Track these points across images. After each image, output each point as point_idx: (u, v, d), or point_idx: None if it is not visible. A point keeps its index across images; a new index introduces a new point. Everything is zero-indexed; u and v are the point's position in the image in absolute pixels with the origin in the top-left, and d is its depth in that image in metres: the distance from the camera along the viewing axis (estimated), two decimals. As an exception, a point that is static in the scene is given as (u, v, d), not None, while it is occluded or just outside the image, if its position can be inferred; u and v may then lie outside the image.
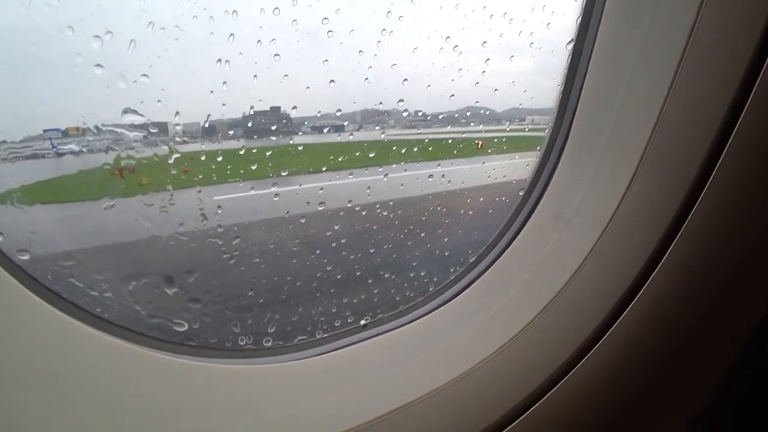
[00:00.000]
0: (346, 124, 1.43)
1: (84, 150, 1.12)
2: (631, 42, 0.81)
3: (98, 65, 0.90)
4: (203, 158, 1.24)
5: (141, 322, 1.03)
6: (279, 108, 1.30)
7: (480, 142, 1.66)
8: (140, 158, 1.10)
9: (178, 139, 1.14)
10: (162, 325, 1.04)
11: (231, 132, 1.31)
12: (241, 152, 1.33)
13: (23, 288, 0.71)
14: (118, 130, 1.03)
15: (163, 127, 1.09)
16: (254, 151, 1.34)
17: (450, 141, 1.58)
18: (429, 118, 1.49)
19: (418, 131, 1.49)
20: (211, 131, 1.29)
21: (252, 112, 1.25)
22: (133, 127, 1.03)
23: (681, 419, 0.90)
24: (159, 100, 0.99)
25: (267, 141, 1.37)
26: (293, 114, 1.25)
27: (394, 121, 1.56)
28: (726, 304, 0.78)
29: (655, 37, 0.77)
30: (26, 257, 0.82)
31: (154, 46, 0.95)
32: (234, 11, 1.00)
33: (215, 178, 1.28)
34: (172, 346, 0.92)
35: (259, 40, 1.06)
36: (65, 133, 1.22)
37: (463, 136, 1.58)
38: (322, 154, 1.56)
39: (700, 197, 0.70)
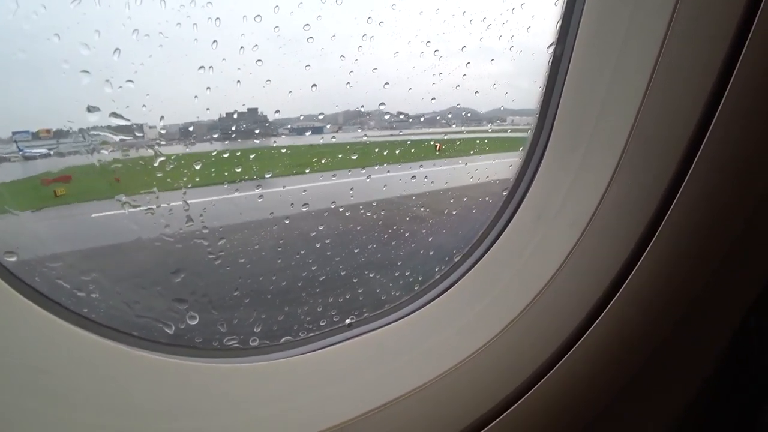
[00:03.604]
0: (327, 126, 1.43)
1: (51, 153, 1.11)
2: (610, 45, 0.83)
3: (84, 71, 0.91)
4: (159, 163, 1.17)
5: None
6: (256, 110, 1.30)
7: (438, 145, 1.68)
8: (74, 166, 1.08)
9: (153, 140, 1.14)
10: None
11: (188, 136, 1.30)
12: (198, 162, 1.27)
13: (10, 289, 0.72)
14: (99, 132, 1.03)
15: (139, 130, 1.09)
16: (213, 155, 1.31)
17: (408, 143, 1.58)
18: (411, 120, 1.50)
19: (391, 133, 1.50)
20: (186, 134, 1.29)
21: (225, 115, 1.25)
22: (109, 128, 1.03)
23: (665, 415, 0.91)
24: (144, 105, 1.00)
25: (244, 143, 1.37)
26: (275, 117, 1.25)
27: (374, 123, 1.57)
28: (707, 299, 0.79)
29: (631, 41, 0.79)
30: (14, 259, 0.83)
31: (139, 52, 0.96)
32: (217, 18, 1.02)
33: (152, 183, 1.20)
34: (158, 346, 0.93)
35: (242, 47, 1.07)
36: (35, 136, 1.21)
37: (445, 137, 1.59)
38: (304, 156, 1.56)
39: (678, 195, 0.72)
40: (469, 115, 1.49)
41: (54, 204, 1.27)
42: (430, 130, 1.56)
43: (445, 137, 1.60)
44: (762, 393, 0.92)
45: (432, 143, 1.71)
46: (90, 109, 0.95)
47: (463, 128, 1.58)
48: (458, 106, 1.41)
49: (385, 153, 1.43)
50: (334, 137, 1.44)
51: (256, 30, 1.05)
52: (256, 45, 1.07)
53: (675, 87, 0.72)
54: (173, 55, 1.03)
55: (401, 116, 1.42)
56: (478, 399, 0.84)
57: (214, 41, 1.04)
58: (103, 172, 1.13)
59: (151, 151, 1.12)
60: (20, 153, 1.22)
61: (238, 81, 1.11)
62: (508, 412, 0.82)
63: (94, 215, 1.46)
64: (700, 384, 0.90)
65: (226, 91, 1.12)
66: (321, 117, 1.34)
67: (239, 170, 1.32)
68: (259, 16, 1.05)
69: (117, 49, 0.93)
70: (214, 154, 1.29)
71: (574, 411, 0.85)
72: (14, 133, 1.20)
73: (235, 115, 1.25)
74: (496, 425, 0.82)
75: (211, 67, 1.06)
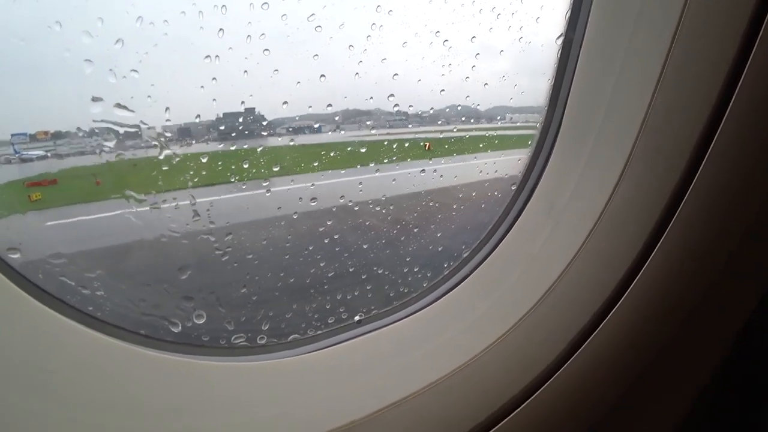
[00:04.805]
0: (336, 118, 1.42)
1: (48, 155, 1.11)
2: (619, 37, 0.82)
3: (87, 60, 0.90)
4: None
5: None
6: (253, 109, 1.29)
7: (427, 144, 1.68)
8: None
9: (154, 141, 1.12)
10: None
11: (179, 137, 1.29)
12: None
13: (14, 286, 0.71)
14: (102, 125, 1.02)
15: (135, 132, 1.07)
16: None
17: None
18: (420, 113, 1.49)
19: (387, 132, 1.49)
20: (189, 132, 1.28)
21: (222, 115, 1.24)
22: (112, 124, 1.02)
23: (671, 414, 0.90)
24: (149, 96, 0.99)
25: (250, 139, 1.36)
26: (283, 109, 1.24)
27: (383, 117, 1.56)
28: (715, 298, 0.78)
29: (642, 32, 0.78)
30: (17, 256, 0.82)
31: (144, 41, 0.95)
32: (223, 6, 1.00)
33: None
34: (165, 344, 0.92)
35: (248, 35, 1.06)
36: (33, 138, 1.21)
37: (455, 132, 1.59)
38: (312, 151, 1.55)
39: (689, 190, 0.71)
40: (478, 106, 1.48)
41: (25, 210, 1.25)
42: (439, 125, 1.55)
43: (455, 132, 1.60)
44: (766, 393, 0.92)
45: (423, 143, 1.71)
46: (94, 99, 0.94)
47: (472, 124, 1.58)
48: (467, 98, 1.40)
49: (394, 147, 1.42)
50: (342, 131, 1.43)
51: (263, 18, 1.04)
52: (263, 34, 1.06)
53: (686, 81, 0.71)
54: (178, 44, 1.02)
55: (410, 107, 1.40)
56: (488, 397, 0.83)
57: (221, 29, 1.03)
58: (85, 175, 1.12)
59: (149, 153, 1.11)
60: (17, 155, 1.22)
61: (245, 71, 1.10)
62: (518, 410, 0.81)
63: (49, 223, 1.43)
64: (707, 383, 0.89)
65: (233, 80, 1.11)
66: (329, 109, 1.33)
67: (246, 165, 1.31)
68: (266, 3, 1.04)
69: (120, 38, 0.92)
70: (220, 147, 1.28)
71: (584, 409, 0.84)
72: (12, 135, 1.20)
73: (242, 109, 1.23)
74: (506, 423, 0.81)
75: (217, 56, 1.05)
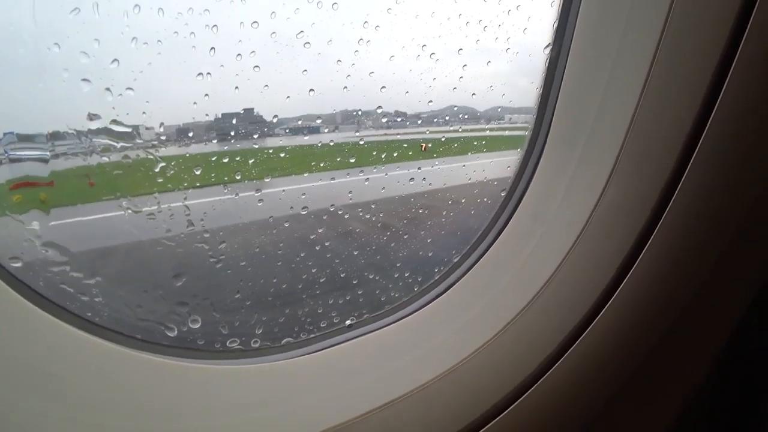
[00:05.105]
0: (325, 130, 1.43)
1: (48, 155, 1.11)
2: (606, 46, 0.83)
3: (85, 79, 0.92)
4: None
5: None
6: (252, 110, 1.30)
7: (424, 145, 1.69)
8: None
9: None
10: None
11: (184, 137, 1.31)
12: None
13: (15, 294, 0.73)
14: (98, 138, 1.04)
15: (137, 134, 1.10)
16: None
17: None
18: (408, 122, 1.50)
19: (386, 133, 1.50)
20: (183, 135, 1.30)
21: (221, 115, 1.26)
22: (108, 134, 1.04)
23: (664, 415, 0.91)
24: (144, 112, 1.01)
25: (241, 146, 1.37)
26: (273, 121, 1.26)
27: (371, 125, 1.57)
28: (706, 298, 0.79)
29: (628, 41, 0.79)
30: (18, 264, 0.84)
31: (138, 60, 0.97)
32: (214, 26, 1.02)
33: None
34: (160, 348, 0.94)
35: (239, 53, 1.08)
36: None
37: (443, 138, 1.60)
38: (302, 159, 1.56)
39: (675, 194, 0.72)
40: (466, 116, 1.50)
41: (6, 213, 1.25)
42: (427, 130, 1.56)
43: (443, 138, 1.61)
44: (761, 392, 0.92)
45: (421, 143, 1.72)
46: (91, 117, 0.97)
47: (460, 128, 1.58)
48: (455, 109, 1.41)
49: (383, 156, 1.43)
50: (332, 141, 1.45)
51: (253, 36, 1.06)
52: (253, 51, 1.08)
53: (671, 87, 0.72)
54: (172, 62, 1.04)
55: (398, 119, 1.42)
56: (476, 399, 0.84)
57: (212, 48, 1.04)
58: (78, 176, 1.14)
59: (145, 155, 1.13)
60: (6, 155, 1.22)
61: (236, 87, 1.12)
62: (506, 412, 0.82)
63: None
64: (699, 383, 0.90)
65: (225, 97, 1.13)
66: (319, 121, 1.35)
67: (239, 177, 1.32)
68: (255, 22, 1.06)
69: (116, 58, 0.94)
70: (213, 159, 1.29)
71: (573, 411, 0.85)
72: (5, 134, 1.21)
73: (234, 120, 1.25)
74: (494, 425, 0.82)
75: (209, 73, 1.07)
